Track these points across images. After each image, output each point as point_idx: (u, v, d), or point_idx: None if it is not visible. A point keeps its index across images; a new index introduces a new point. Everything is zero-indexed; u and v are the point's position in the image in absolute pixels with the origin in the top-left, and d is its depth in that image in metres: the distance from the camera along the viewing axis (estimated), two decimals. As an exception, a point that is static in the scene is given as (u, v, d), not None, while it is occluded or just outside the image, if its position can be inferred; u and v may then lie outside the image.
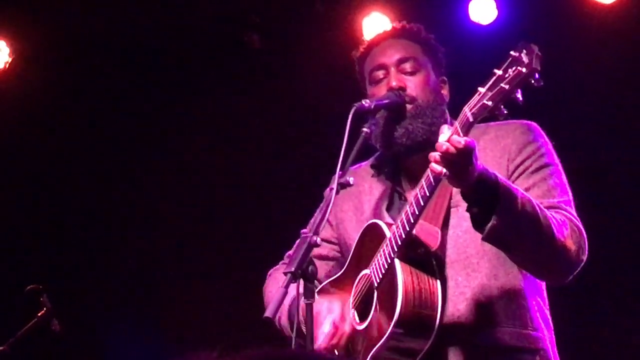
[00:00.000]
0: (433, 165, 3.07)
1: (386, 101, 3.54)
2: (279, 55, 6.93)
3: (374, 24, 6.71)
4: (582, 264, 3.33)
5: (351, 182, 3.31)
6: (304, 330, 3.25)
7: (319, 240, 3.18)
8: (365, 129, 3.47)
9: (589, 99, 6.28)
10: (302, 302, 3.16)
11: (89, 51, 6.84)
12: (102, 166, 7.10)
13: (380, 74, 3.58)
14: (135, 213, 7.13)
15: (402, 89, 3.50)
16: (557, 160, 3.48)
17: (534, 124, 3.52)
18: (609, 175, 6.28)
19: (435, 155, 3.06)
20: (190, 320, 6.87)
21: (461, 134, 3.01)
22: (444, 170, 3.04)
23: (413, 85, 3.52)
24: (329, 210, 3.24)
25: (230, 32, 6.91)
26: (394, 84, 3.51)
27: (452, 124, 3.14)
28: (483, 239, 3.17)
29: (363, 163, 3.76)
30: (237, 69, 7.00)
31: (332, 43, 6.82)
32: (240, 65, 6.99)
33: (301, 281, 3.12)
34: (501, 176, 3.19)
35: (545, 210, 3.24)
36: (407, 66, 3.56)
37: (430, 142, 3.24)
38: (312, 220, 3.41)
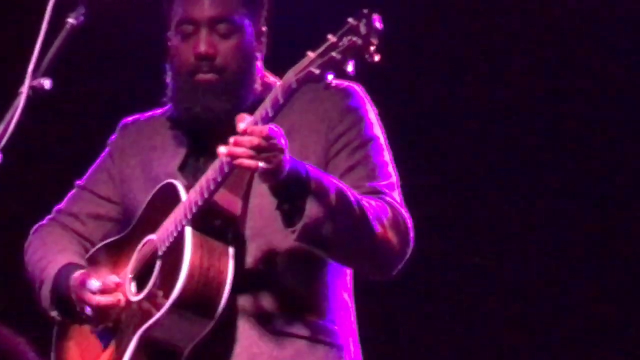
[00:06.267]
0: (240, 161, 2.76)
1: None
2: None
3: None
4: (407, 256, 3.07)
5: (46, 87, 2.90)
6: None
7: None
8: (70, 20, 3.04)
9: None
10: None
11: None
12: None
13: (189, 28, 3.15)
14: None
15: (212, 56, 3.12)
16: (380, 132, 3.19)
17: (356, 87, 3.20)
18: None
19: (235, 150, 2.76)
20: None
21: (260, 124, 2.78)
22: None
23: (224, 52, 3.13)
24: (14, 120, 2.82)
25: None
26: (202, 49, 3.11)
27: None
28: (295, 239, 2.87)
29: (158, 111, 3.35)
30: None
31: None
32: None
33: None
34: (312, 167, 2.92)
35: (364, 199, 2.97)
36: (221, 27, 3.14)
37: (236, 114, 2.89)
38: None
